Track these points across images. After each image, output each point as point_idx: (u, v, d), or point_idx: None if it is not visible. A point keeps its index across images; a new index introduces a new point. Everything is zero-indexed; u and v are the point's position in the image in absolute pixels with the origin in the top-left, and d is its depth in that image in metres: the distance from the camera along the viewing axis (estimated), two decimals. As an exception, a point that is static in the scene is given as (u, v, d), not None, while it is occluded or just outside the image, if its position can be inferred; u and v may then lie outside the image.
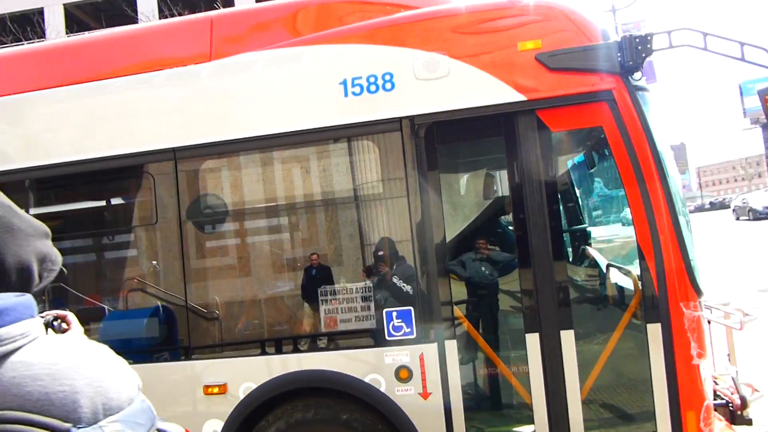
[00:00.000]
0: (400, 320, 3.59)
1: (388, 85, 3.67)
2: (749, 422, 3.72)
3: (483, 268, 4.14)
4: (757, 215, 32.96)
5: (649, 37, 3.35)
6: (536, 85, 3.54)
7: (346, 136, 3.81)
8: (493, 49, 3.61)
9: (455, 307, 3.65)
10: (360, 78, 3.70)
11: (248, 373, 3.72)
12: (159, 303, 4.07)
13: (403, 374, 3.56)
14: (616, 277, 4.14)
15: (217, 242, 4.17)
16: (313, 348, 3.80)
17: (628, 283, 3.83)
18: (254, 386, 3.69)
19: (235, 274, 4.17)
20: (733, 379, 3.80)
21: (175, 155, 3.85)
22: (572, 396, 3.46)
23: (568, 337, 3.47)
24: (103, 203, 4.48)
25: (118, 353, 1.03)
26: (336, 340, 3.77)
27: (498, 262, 4.17)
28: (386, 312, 3.61)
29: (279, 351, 3.82)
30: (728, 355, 4.33)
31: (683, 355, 3.35)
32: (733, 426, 3.68)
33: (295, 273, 4.09)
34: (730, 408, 3.72)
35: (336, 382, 3.62)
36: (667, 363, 3.37)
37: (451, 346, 3.55)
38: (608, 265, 4.55)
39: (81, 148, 3.98)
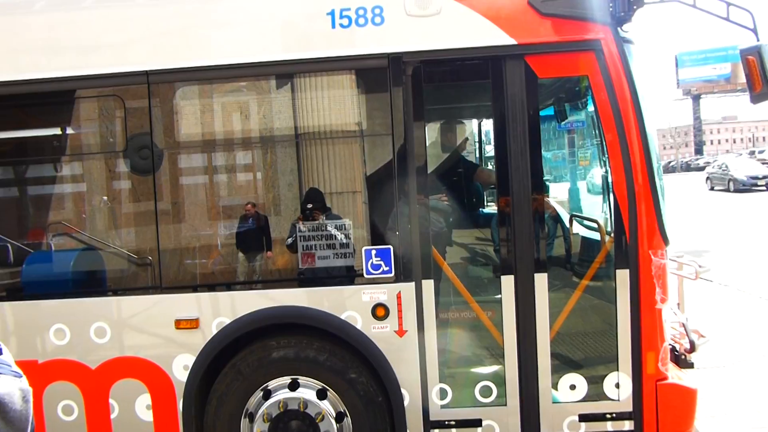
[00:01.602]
0: (378, 258, 3.60)
1: (377, 19, 3.58)
2: (692, 366, 4.00)
3: (452, 212, 4.19)
4: (739, 187, 27.98)
5: (641, -11, 3.39)
6: (527, 30, 3.54)
7: (331, 69, 3.71)
8: None
9: (433, 248, 3.69)
10: (349, 9, 3.58)
11: (222, 309, 3.67)
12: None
13: (379, 312, 3.59)
14: (585, 225, 4.28)
15: (192, 168, 4.03)
16: (289, 285, 3.77)
17: (597, 232, 3.97)
18: (228, 321, 3.65)
19: (206, 206, 4.06)
20: (683, 325, 4.04)
21: (148, 79, 3.65)
22: (542, 337, 3.61)
23: (541, 280, 3.59)
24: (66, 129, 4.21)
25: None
26: (313, 277, 3.75)
27: (458, 210, 4.24)
28: (365, 250, 3.61)
29: (255, 287, 3.78)
30: (678, 303, 4.62)
31: (648, 299, 3.54)
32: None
33: (272, 207, 4.02)
34: (676, 353, 3.99)
35: (311, 319, 3.62)
36: (632, 307, 3.55)
37: (428, 286, 3.61)
38: (572, 215, 4.70)
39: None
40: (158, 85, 3.66)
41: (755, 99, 3.25)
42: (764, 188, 27.34)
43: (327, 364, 3.62)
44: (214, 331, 3.65)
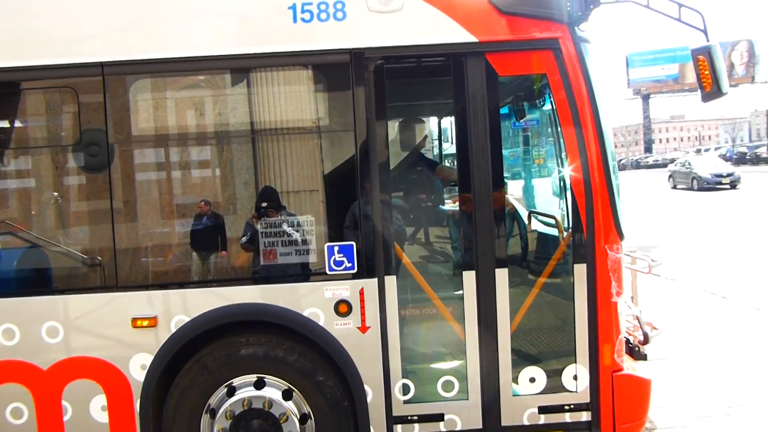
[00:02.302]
0: (341, 255, 3.59)
1: (339, 14, 3.55)
2: (645, 357, 4.13)
3: (413, 209, 4.21)
4: (703, 185, 27.86)
5: (597, -10, 3.46)
6: (487, 28, 3.57)
7: (292, 64, 3.67)
8: None
9: (396, 244, 3.70)
10: (311, 4, 3.55)
11: (181, 307, 3.59)
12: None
13: (342, 308, 3.58)
14: (543, 222, 4.36)
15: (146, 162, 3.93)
16: (250, 282, 3.71)
17: (554, 228, 4.04)
18: (187, 319, 3.58)
19: (162, 203, 3.96)
20: (637, 317, 4.17)
21: (102, 71, 3.54)
22: (503, 332, 3.66)
23: (502, 276, 3.64)
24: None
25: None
26: (274, 274, 3.70)
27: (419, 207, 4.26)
28: (327, 246, 3.59)
29: (216, 284, 3.71)
30: (631, 297, 4.76)
31: (604, 293, 3.63)
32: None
33: (229, 204, 3.95)
34: (630, 345, 4.11)
35: (273, 315, 3.58)
36: (589, 300, 3.64)
37: (391, 282, 3.61)
38: (531, 212, 4.79)
39: None
40: (113, 77, 3.56)
41: (706, 98, 3.37)
42: (728, 186, 27.38)
43: (296, 365, 3.59)
44: (173, 329, 3.58)
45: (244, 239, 3.70)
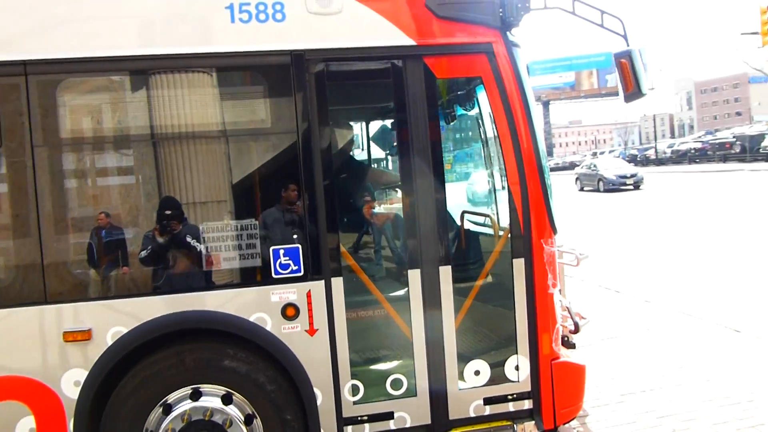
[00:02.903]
0: (287, 258, 3.55)
1: (278, 15, 3.53)
2: (573, 346, 4.36)
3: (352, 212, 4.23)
4: (609, 186, 28.88)
5: (528, -3, 3.65)
6: (425, 32, 3.67)
7: (229, 65, 3.59)
8: None
9: (341, 245, 3.70)
10: (248, 4, 3.50)
11: (118, 317, 3.41)
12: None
13: (289, 312, 3.54)
14: (475, 222, 4.49)
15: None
16: (193, 288, 3.58)
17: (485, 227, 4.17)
18: (125, 331, 3.41)
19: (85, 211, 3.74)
20: (567, 308, 4.40)
21: (25, 69, 3.31)
22: (448, 327, 3.75)
23: (446, 272, 3.74)
24: None
25: None
26: (218, 279, 3.60)
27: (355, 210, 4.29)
28: (273, 250, 3.54)
29: (156, 292, 3.55)
30: (560, 289, 5.00)
31: (541, 285, 3.81)
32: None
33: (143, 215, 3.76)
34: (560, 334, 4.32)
35: (220, 323, 3.48)
36: (528, 292, 3.80)
37: (337, 283, 3.61)
38: (464, 212, 4.92)
39: None
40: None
41: (628, 98, 3.62)
42: (632, 187, 28.78)
43: (232, 369, 3.50)
44: (109, 342, 3.40)
45: (144, 253, 3.54)
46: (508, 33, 3.74)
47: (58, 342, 3.36)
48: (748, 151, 37.96)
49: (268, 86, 3.65)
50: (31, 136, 3.34)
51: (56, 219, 3.46)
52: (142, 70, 3.50)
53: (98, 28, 3.43)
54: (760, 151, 37.16)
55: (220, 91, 3.63)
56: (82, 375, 3.38)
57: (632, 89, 3.55)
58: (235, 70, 3.65)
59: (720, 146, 42.38)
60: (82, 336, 3.36)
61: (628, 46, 3.63)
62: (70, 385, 3.38)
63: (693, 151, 45.17)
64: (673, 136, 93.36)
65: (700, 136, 56.54)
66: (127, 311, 3.42)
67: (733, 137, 42.73)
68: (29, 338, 3.36)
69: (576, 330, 4.26)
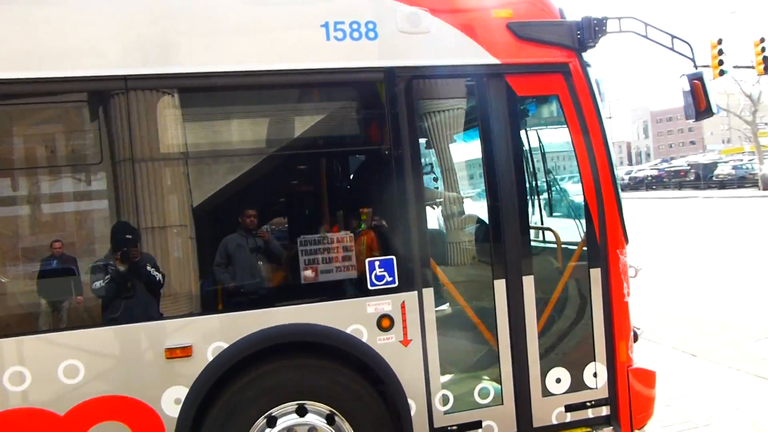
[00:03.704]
0: (382, 269, 3.60)
1: (371, 34, 3.64)
2: None
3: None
4: None
5: (604, 20, 3.87)
6: (507, 52, 3.83)
7: (325, 81, 3.68)
8: (471, 12, 3.82)
9: (430, 257, 3.78)
10: (343, 23, 3.61)
11: (218, 332, 3.39)
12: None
13: (384, 323, 3.58)
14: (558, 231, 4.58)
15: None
16: (291, 302, 3.59)
17: (572, 236, 4.31)
18: (225, 345, 3.39)
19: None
20: None
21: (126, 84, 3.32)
22: (531, 335, 3.85)
23: (528, 282, 3.85)
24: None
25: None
26: (316, 292, 3.62)
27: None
28: (368, 262, 3.59)
29: (254, 306, 3.54)
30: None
31: (618, 294, 3.96)
32: None
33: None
34: None
35: (320, 335, 3.50)
36: (604, 301, 3.95)
37: (428, 294, 3.68)
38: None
39: None
40: None
41: (699, 116, 3.85)
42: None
43: (335, 387, 3.52)
44: (210, 358, 3.37)
45: (98, 284, 3.35)
46: (582, 54, 3.95)
47: (161, 359, 3.31)
48: (702, 178, 39.72)
49: (361, 102, 3.74)
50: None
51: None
52: (245, 85, 3.55)
53: (201, 45, 3.47)
54: (713, 179, 38.97)
55: (316, 106, 3.71)
56: (182, 392, 3.33)
57: (705, 107, 3.79)
58: (330, 86, 3.73)
59: (676, 174, 44.21)
60: (183, 352, 3.33)
61: (696, 68, 3.88)
62: (170, 403, 3.32)
63: (650, 179, 46.92)
64: (630, 163, 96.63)
65: (656, 164, 58.75)
66: (226, 326, 3.41)
67: (688, 165, 44.64)
68: (130, 356, 3.31)
69: (635, 338, 4.41)
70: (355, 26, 3.62)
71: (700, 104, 3.80)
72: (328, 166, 3.85)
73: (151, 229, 3.38)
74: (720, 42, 24.76)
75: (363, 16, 3.62)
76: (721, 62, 24.60)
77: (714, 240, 15.93)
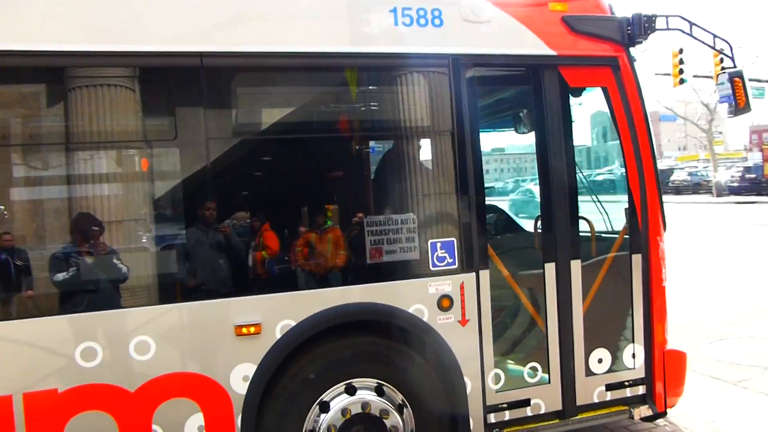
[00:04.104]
0: (443, 251, 3.70)
1: (437, 21, 3.73)
2: None
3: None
4: None
5: (653, 17, 4.05)
6: (562, 44, 3.98)
7: (392, 66, 3.74)
8: (529, 5, 3.94)
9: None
10: (410, 9, 3.68)
11: (286, 310, 3.42)
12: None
13: (444, 303, 3.67)
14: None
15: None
16: (356, 281, 3.65)
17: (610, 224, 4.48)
18: (293, 323, 3.42)
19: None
20: None
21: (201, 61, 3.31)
22: (576, 317, 4.01)
23: (576, 266, 4.01)
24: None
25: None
26: (378, 272, 3.68)
27: None
28: (430, 243, 3.68)
29: (320, 285, 3.58)
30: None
31: (657, 278, 4.16)
32: None
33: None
34: None
35: (385, 314, 3.56)
36: (644, 285, 4.13)
37: (485, 276, 3.79)
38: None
39: None
40: None
41: (738, 112, 4.08)
42: None
43: (389, 360, 3.59)
44: (278, 336, 3.39)
45: (60, 276, 3.23)
46: (630, 49, 4.12)
47: (230, 336, 3.32)
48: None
49: (427, 87, 3.81)
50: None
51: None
52: (316, 66, 3.59)
53: (271, 26, 3.49)
54: (669, 184, 40.35)
55: (383, 89, 3.77)
56: (251, 369, 3.35)
57: (744, 104, 4.01)
58: (397, 71, 3.79)
59: (633, 179, 45.34)
60: (253, 329, 3.35)
61: (735, 66, 4.10)
62: (239, 380, 3.34)
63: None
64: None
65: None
66: (295, 304, 3.44)
67: (645, 170, 45.90)
68: (200, 333, 3.31)
69: None
70: (421, 12, 3.70)
71: (740, 101, 4.02)
72: (395, 150, 3.91)
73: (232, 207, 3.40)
74: (681, 51, 25.51)
75: (429, 3, 3.70)
76: (681, 71, 25.34)
77: (669, 244, 16.29)
